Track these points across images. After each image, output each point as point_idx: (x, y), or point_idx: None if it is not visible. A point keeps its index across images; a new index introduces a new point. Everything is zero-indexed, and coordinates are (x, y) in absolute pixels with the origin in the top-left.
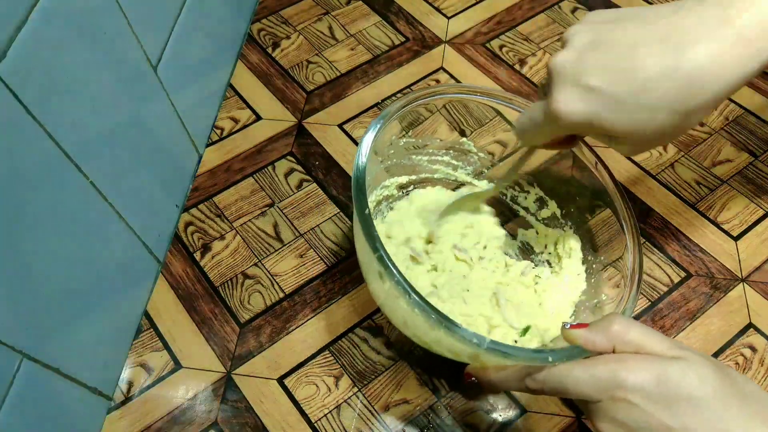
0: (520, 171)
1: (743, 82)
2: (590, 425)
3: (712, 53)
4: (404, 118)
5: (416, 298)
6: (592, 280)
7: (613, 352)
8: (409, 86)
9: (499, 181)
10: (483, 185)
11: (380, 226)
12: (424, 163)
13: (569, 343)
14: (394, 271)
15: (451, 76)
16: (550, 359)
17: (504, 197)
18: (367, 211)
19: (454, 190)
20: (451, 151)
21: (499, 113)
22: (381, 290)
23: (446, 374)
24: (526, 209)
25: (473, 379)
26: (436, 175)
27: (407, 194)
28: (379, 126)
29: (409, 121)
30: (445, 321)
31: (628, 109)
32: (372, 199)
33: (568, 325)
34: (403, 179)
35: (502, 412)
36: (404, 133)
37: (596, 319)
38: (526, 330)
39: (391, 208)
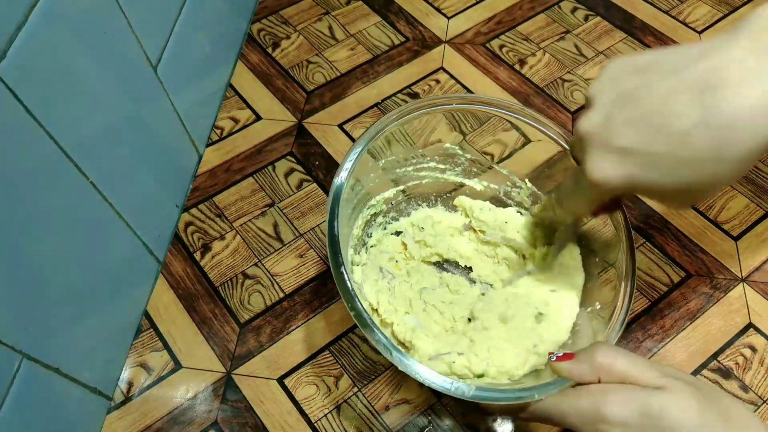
0: (572, 240)
1: None
2: None
3: (751, 97)
4: (378, 142)
5: (398, 356)
6: (588, 285)
7: (599, 381)
8: (409, 86)
9: (552, 257)
10: (474, 183)
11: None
12: (409, 173)
13: (556, 374)
14: (375, 329)
15: (451, 76)
16: (536, 396)
17: (497, 193)
18: (342, 269)
19: (449, 193)
20: (436, 157)
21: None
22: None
23: None
24: (519, 204)
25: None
26: (424, 181)
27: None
28: (349, 169)
29: (385, 143)
30: (429, 379)
31: (669, 166)
32: (358, 224)
33: (554, 357)
34: (389, 193)
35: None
36: (382, 154)
37: (592, 324)
38: (480, 376)
39: (391, 222)
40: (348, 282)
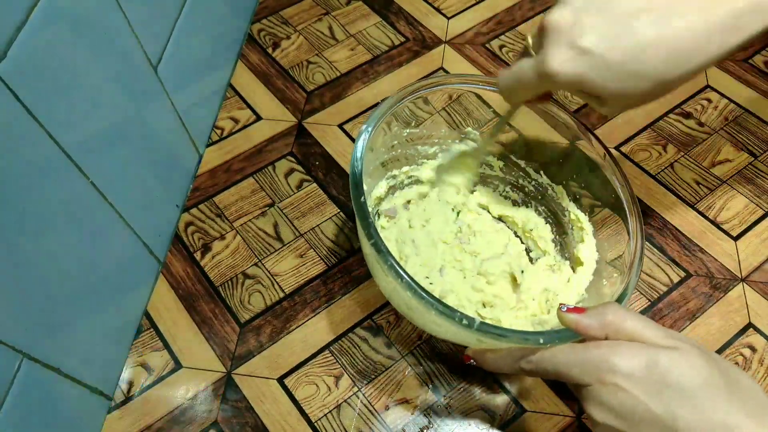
0: (502, 131)
1: (721, 59)
2: (585, 415)
3: (705, 25)
4: (401, 114)
5: (408, 280)
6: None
7: (606, 338)
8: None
9: (484, 140)
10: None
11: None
12: (429, 153)
13: (564, 326)
14: (389, 258)
15: None
16: (541, 341)
17: (512, 180)
18: (362, 199)
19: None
20: (457, 140)
21: (498, 114)
22: (380, 274)
23: (446, 373)
24: (534, 196)
25: (472, 361)
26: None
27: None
28: (375, 122)
29: (408, 119)
30: (435, 302)
31: (616, 75)
32: (376, 194)
33: (565, 308)
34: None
35: (501, 411)
36: (406, 125)
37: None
38: None
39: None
40: (367, 213)
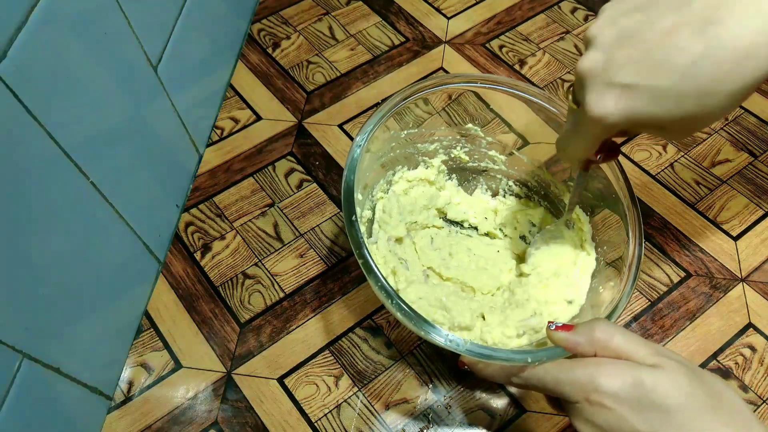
0: (580, 197)
1: None
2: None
3: (758, 26)
4: (401, 114)
5: (399, 302)
6: (593, 279)
7: (595, 355)
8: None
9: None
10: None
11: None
12: (429, 151)
13: (553, 343)
14: (380, 275)
15: None
16: (529, 360)
17: (516, 174)
18: (354, 218)
19: (473, 175)
20: (457, 136)
21: (498, 115)
22: (373, 288)
23: (446, 373)
24: (536, 192)
25: (466, 367)
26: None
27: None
28: (369, 129)
29: (407, 119)
30: (425, 325)
31: (671, 99)
32: (375, 195)
33: (554, 326)
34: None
35: (501, 411)
36: (405, 126)
37: (592, 314)
38: None
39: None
40: (358, 231)
